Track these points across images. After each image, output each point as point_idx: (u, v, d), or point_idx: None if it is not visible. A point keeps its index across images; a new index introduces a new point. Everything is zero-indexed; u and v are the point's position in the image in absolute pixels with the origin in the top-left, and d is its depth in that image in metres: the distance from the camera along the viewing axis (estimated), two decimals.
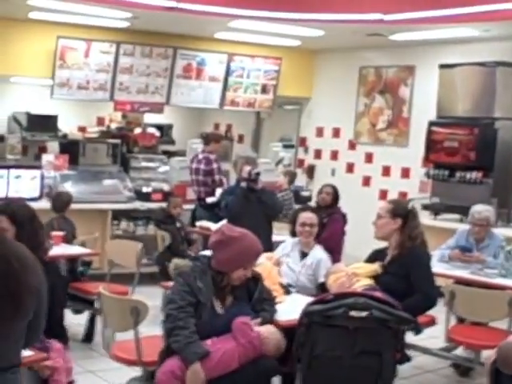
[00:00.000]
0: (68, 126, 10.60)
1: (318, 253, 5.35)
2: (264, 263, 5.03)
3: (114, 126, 10.84)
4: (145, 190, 9.02)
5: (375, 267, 4.80)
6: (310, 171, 11.27)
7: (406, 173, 10.24)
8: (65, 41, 9.20)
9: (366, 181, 10.69)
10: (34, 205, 7.83)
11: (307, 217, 5.38)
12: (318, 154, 11.35)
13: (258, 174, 6.66)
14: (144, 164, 9.47)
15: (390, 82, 10.46)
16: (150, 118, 10.83)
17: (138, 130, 9.91)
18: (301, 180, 11.27)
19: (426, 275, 4.75)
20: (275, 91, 10.81)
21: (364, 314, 3.65)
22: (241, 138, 12.34)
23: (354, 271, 4.75)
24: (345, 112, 10.91)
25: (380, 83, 10.58)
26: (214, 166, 8.72)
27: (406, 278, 4.68)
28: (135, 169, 9.46)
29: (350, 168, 10.91)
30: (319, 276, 5.19)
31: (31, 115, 10.12)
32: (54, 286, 3.81)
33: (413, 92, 10.19)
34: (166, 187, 9.16)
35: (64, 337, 3.97)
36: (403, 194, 10.12)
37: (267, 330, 3.86)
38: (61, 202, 6.79)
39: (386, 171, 10.48)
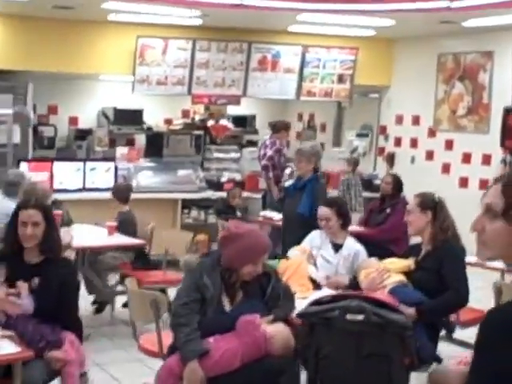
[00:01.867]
0: (154, 119, 11.06)
1: (353, 244, 5.33)
2: (294, 257, 5.19)
3: (197, 117, 11.23)
4: (217, 179, 9.35)
5: (408, 263, 4.78)
6: (391, 159, 11.26)
7: (487, 160, 10.08)
8: (144, 40, 9.64)
9: (446, 168, 10.59)
10: (109, 195, 8.46)
11: (320, 211, 5.35)
12: (397, 142, 11.33)
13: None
14: (217, 155, 9.78)
15: (469, 68, 10.29)
16: (233, 109, 11.16)
17: (210, 122, 10.24)
18: (381, 168, 11.31)
19: (457, 270, 4.60)
20: (352, 81, 10.86)
21: (360, 317, 3.66)
22: (323, 127, 12.46)
23: (386, 266, 4.79)
24: (424, 99, 10.83)
25: (459, 69, 10.43)
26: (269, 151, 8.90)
27: (439, 274, 4.59)
28: (210, 159, 9.80)
29: (430, 155, 10.83)
30: None
31: (118, 110, 10.66)
32: (68, 279, 4.08)
33: (492, 78, 9.99)
34: (238, 177, 9.45)
35: (79, 329, 4.19)
36: (484, 182, 9.98)
37: (275, 329, 3.76)
38: (121, 193, 7.14)
39: (467, 158, 10.35)
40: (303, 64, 10.53)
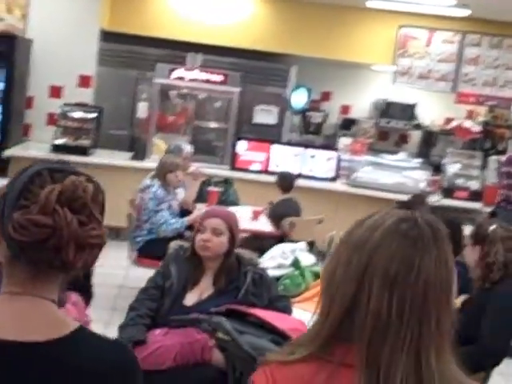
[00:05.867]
0: (431, 115, 10.41)
1: None
2: None
3: (480, 119, 10.29)
4: (449, 185, 8.47)
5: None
6: None
7: None
8: (406, 30, 9.16)
9: None
10: (329, 185, 8.22)
11: None
12: None
13: None
14: (457, 159, 8.78)
15: None
16: None
17: (453, 123, 9.29)
18: None
19: (495, 318, 3.68)
20: None
21: (227, 337, 3.17)
22: None
23: None
24: None
25: None
26: None
27: (479, 320, 3.71)
28: (449, 163, 8.86)
29: None
30: None
31: (389, 103, 10.28)
32: None
33: None
34: (474, 186, 8.42)
35: (88, 292, 4.26)
36: None
37: None
38: (285, 182, 6.88)
39: None
40: None
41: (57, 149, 8.06)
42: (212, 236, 3.61)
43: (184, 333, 3.47)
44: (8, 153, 7.96)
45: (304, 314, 3.93)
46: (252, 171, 8.36)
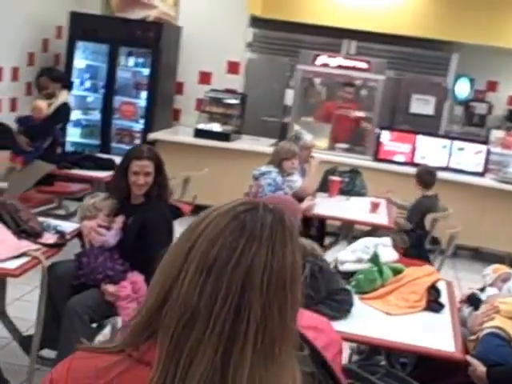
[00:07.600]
0: None
1: None
2: (424, 269, 4.22)
3: None
4: None
5: None
6: None
7: None
8: None
9: None
10: (476, 180, 7.67)
11: None
12: None
13: None
14: None
15: None
16: None
17: None
18: None
19: None
20: None
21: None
22: None
23: (498, 305, 3.65)
24: None
25: None
26: None
27: None
28: None
29: None
30: None
31: None
32: (149, 222, 4.07)
33: None
34: None
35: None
36: None
37: None
38: (421, 176, 6.43)
39: None
40: None
41: (199, 134, 8.19)
42: None
43: None
44: (152, 136, 8.21)
45: (369, 311, 3.71)
46: (396, 162, 8.00)
